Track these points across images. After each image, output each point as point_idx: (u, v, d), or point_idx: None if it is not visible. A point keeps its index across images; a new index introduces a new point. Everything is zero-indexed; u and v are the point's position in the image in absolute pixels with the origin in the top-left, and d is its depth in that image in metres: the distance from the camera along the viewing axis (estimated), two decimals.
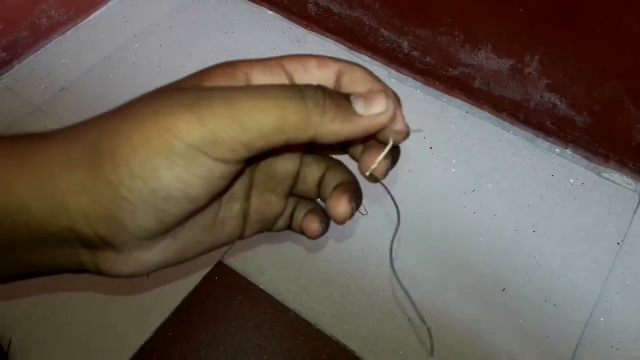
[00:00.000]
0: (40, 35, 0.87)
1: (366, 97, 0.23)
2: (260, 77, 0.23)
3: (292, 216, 0.28)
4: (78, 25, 0.91)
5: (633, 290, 0.63)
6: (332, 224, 0.27)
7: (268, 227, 0.27)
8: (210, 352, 0.59)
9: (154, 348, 0.59)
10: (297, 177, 0.27)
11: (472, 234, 0.68)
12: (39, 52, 0.88)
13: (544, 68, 0.70)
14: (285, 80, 0.24)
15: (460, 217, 0.69)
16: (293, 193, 0.28)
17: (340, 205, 0.26)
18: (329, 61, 0.24)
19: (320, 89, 0.21)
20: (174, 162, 0.19)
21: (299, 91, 0.21)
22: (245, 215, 0.26)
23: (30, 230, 0.20)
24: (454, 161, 0.75)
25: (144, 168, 0.19)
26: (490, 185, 0.72)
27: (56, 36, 0.89)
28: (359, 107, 0.22)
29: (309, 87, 0.21)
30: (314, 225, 0.27)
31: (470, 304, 0.63)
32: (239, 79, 0.23)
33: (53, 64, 0.86)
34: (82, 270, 0.24)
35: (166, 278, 0.64)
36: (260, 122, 0.20)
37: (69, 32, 0.90)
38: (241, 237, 0.26)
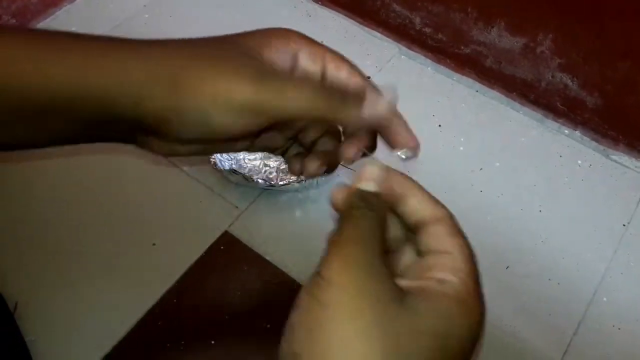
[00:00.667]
0: (50, 2, 0.87)
1: (373, 99, 0.33)
2: (304, 60, 0.31)
3: (286, 151, 0.39)
4: None
5: (637, 271, 0.63)
6: None
7: (268, 151, 0.38)
8: (215, 319, 0.59)
9: (158, 314, 0.60)
10: (301, 130, 0.37)
11: (478, 212, 0.68)
12: (47, 19, 0.87)
13: (557, 47, 0.69)
14: (319, 71, 0.32)
15: (467, 195, 0.69)
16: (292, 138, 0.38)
17: (351, 147, 0.34)
18: (358, 76, 0.33)
19: (343, 98, 0.30)
20: (228, 112, 0.27)
21: (328, 94, 0.30)
22: (252, 141, 0.36)
23: (118, 111, 0.29)
24: (462, 139, 0.74)
25: (206, 109, 0.27)
26: (497, 164, 0.72)
27: (65, 3, 0.89)
28: (368, 107, 0.32)
29: (335, 92, 0.30)
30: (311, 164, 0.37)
31: None
32: (289, 54, 0.30)
33: None
34: (131, 142, 0.33)
35: (172, 246, 0.64)
36: (294, 107, 0.29)
37: (78, 0, 0.90)
38: (246, 150, 0.37)
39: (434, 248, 0.29)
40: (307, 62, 0.31)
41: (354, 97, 0.30)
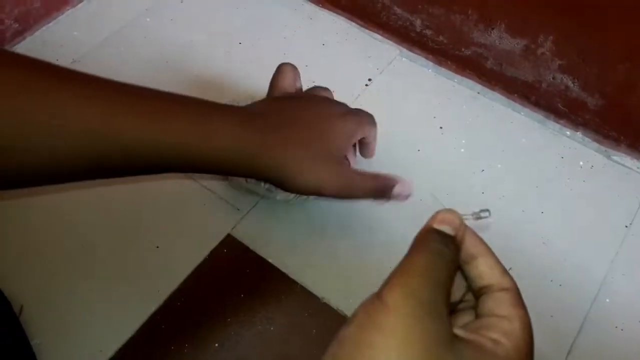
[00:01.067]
0: (52, 6, 0.87)
1: (399, 188, 0.53)
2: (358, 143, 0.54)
3: None
4: None
5: (639, 272, 0.63)
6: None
7: None
8: (218, 322, 0.60)
9: (162, 317, 0.60)
10: None
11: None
12: (50, 24, 0.88)
13: (558, 48, 0.70)
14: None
15: (469, 197, 0.69)
16: None
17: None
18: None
19: (386, 190, 0.51)
20: (314, 193, 0.47)
21: (378, 191, 0.51)
22: None
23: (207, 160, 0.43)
24: (464, 141, 0.75)
25: (297, 188, 0.46)
26: (499, 166, 0.72)
27: (68, 8, 0.89)
28: (395, 191, 0.53)
29: (381, 188, 0.51)
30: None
31: None
32: (353, 146, 0.55)
33: (64, 36, 0.86)
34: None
35: (175, 249, 0.65)
36: (357, 198, 0.49)
37: (80, 5, 0.90)
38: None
39: (495, 312, 0.30)
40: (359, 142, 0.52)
41: (390, 187, 0.48)
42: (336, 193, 0.43)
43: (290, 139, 0.43)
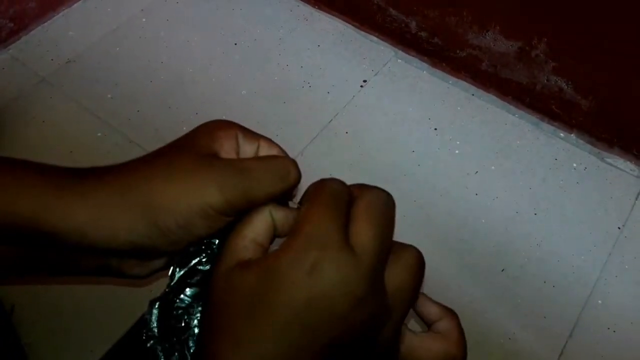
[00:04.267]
0: (48, 6, 0.87)
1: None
2: (244, 145, 0.33)
3: None
4: None
5: (631, 274, 0.63)
6: None
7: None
8: None
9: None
10: None
11: (474, 215, 0.68)
12: (46, 24, 0.88)
13: (551, 51, 0.70)
14: (255, 149, 0.33)
15: (462, 198, 0.69)
16: None
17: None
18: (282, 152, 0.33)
19: (297, 169, 0.32)
20: (205, 220, 0.29)
21: (287, 174, 0.31)
22: None
23: (82, 247, 0.28)
24: (458, 143, 0.75)
25: (183, 220, 0.29)
26: (493, 168, 0.72)
27: (63, 8, 0.89)
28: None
29: (291, 167, 0.32)
30: None
31: (470, 283, 0.63)
32: (232, 140, 0.32)
33: (60, 36, 0.86)
34: (106, 272, 0.33)
35: None
36: (260, 197, 0.30)
37: (76, 5, 0.90)
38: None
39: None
40: (245, 143, 0.33)
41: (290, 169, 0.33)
42: (225, 199, 0.29)
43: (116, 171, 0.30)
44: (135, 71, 0.81)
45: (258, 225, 0.29)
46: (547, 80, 0.73)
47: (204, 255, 0.32)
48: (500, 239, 0.66)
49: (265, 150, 0.34)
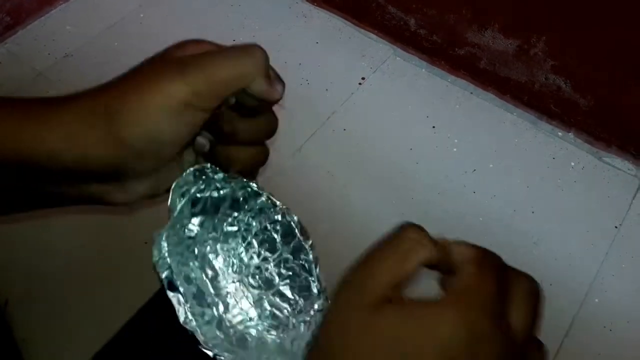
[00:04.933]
0: (45, 0, 0.87)
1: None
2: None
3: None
4: None
5: (628, 272, 0.64)
6: None
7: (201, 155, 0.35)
8: None
9: (150, 312, 0.60)
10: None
11: (471, 213, 0.68)
12: (43, 18, 0.87)
13: (550, 49, 0.70)
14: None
15: (460, 196, 0.69)
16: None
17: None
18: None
19: (264, 56, 0.31)
20: (170, 115, 0.27)
21: (252, 51, 0.30)
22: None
23: (57, 171, 0.28)
24: (456, 141, 0.75)
25: (147, 122, 0.27)
26: (491, 166, 0.72)
27: (61, 2, 0.89)
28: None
29: (254, 45, 0.30)
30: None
31: None
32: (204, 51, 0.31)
33: (57, 30, 0.86)
34: (90, 200, 0.31)
35: None
36: (224, 77, 0.29)
37: None
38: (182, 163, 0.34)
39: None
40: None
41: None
42: (191, 87, 0.27)
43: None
44: (133, 65, 0.81)
45: (415, 262, 0.27)
46: (546, 78, 0.73)
47: (201, 182, 0.31)
48: (498, 238, 0.66)
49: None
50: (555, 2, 0.66)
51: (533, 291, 0.27)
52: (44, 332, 0.57)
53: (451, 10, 0.75)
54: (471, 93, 0.79)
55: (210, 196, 0.32)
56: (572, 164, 0.73)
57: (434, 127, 0.76)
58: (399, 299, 0.25)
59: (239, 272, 0.32)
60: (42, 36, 0.85)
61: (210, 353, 0.30)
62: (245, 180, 0.33)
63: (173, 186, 0.31)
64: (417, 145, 0.74)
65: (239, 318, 0.31)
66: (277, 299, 0.32)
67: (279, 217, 0.32)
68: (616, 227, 0.67)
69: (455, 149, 0.74)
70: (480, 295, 0.25)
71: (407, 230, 0.27)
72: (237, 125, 0.33)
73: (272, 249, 0.32)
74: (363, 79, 0.81)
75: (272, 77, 0.32)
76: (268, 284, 0.32)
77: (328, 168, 0.71)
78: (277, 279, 0.32)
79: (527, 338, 0.26)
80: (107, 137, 0.27)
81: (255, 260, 0.32)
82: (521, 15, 0.70)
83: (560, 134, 0.75)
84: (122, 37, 0.85)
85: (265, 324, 0.31)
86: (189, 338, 0.57)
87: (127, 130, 0.27)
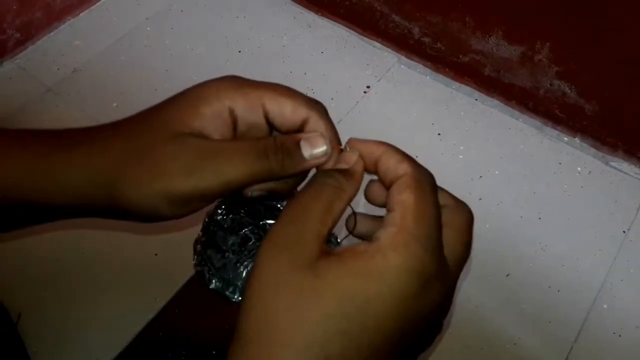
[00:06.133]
0: (54, 16, 0.88)
1: (310, 139, 0.28)
2: (241, 112, 0.28)
3: None
4: (91, 8, 0.92)
5: (637, 278, 0.63)
6: None
7: None
8: (216, 329, 0.60)
9: (160, 324, 0.61)
10: None
11: (478, 220, 0.68)
12: (52, 34, 0.89)
13: (554, 55, 0.70)
14: (261, 117, 0.29)
15: (467, 203, 0.69)
16: None
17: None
18: (301, 108, 0.29)
19: (280, 150, 0.28)
20: (171, 206, 0.27)
21: (264, 154, 0.27)
22: None
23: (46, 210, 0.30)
24: (462, 147, 0.75)
25: (149, 207, 0.27)
26: (497, 172, 0.72)
27: (69, 18, 0.90)
28: (306, 151, 0.28)
29: (271, 148, 0.28)
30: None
31: (475, 288, 0.63)
32: (224, 116, 0.28)
33: (66, 46, 0.87)
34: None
35: (173, 257, 0.65)
36: (237, 180, 0.27)
37: (82, 14, 0.91)
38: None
39: (389, 206, 0.26)
40: (246, 114, 0.28)
41: (294, 147, 0.28)
42: (194, 185, 0.26)
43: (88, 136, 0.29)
44: (140, 80, 0.82)
45: (339, 210, 0.26)
46: (551, 84, 0.73)
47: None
48: (505, 244, 0.66)
49: (276, 115, 0.29)
50: (558, 9, 0.66)
51: (468, 220, 0.28)
52: (56, 345, 0.58)
53: (455, 18, 0.75)
54: (476, 100, 0.80)
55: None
56: (579, 169, 0.72)
57: (439, 134, 0.76)
58: (330, 252, 0.24)
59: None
60: (51, 51, 0.87)
61: None
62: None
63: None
64: (422, 153, 0.74)
65: None
66: None
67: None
68: (624, 231, 0.67)
69: (461, 156, 0.74)
70: (423, 232, 0.24)
71: (324, 177, 0.26)
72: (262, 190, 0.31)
73: None
74: (368, 87, 0.81)
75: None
76: None
77: None
78: None
79: (461, 269, 0.26)
80: (103, 198, 0.28)
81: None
82: (524, 22, 0.70)
83: (566, 139, 0.75)
84: (129, 51, 0.86)
85: None
86: (199, 349, 0.57)
87: (126, 202, 0.27)
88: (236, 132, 0.29)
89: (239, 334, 0.24)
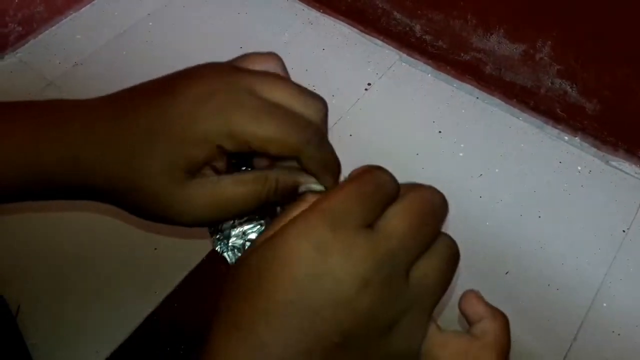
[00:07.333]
0: (56, 10, 0.88)
1: (307, 187, 0.30)
2: (230, 145, 0.29)
3: None
4: (93, 2, 0.92)
5: (636, 277, 0.63)
6: None
7: None
8: None
9: (159, 318, 0.61)
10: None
11: (477, 218, 0.68)
12: (53, 27, 0.89)
13: (556, 53, 0.70)
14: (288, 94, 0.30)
15: (466, 201, 0.70)
16: None
17: None
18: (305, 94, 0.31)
19: (279, 191, 0.29)
20: (171, 180, 0.29)
21: (265, 198, 0.29)
22: None
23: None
24: (462, 145, 0.75)
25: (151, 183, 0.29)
26: (497, 170, 0.72)
27: (71, 12, 0.90)
28: (301, 190, 0.30)
29: (271, 192, 0.29)
30: None
31: (473, 285, 0.62)
32: (213, 152, 0.29)
33: (67, 40, 0.87)
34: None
35: (173, 251, 0.65)
36: (234, 210, 0.29)
37: (83, 8, 0.91)
38: None
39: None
40: (233, 146, 0.29)
41: (292, 192, 0.30)
42: (196, 219, 0.29)
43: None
44: (141, 74, 0.81)
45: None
46: (552, 83, 0.73)
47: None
48: (504, 242, 0.66)
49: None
50: (560, 7, 0.66)
51: (419, 196, 0.27)
52: (55, 337, 0.58)
53: (456, 15, 0.75)
54: (477, 98, 0.80)
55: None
56: (579, 168, 0.72)
57: (440, 132, 0.76)
58: (265, 238, 0.26)
59: None
60: (53, 45, 0.87)
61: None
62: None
63: None
64: (423, 150, 0.75)
65: None
66: None
67: None
68: (624, 231, 0.67)
69: (461, 154, 0.74)
70: (326, 203, 0.25)
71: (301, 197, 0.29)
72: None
73: None
74: (369, 84, 0.81)
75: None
76: None
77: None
78: None
79: (400, 241, 0.24)
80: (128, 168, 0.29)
81: None
82: (526, 20, 0.70)
83: (566, 138, 0.75)
84: (130, 45, 0.86)
85: None
86: (198, 343, 0.57)
87: (138, 174, 0.29)
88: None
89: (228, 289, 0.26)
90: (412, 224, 0.25)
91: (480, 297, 0.31)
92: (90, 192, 0.31)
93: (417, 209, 0.26)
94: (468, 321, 0.30)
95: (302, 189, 0.30)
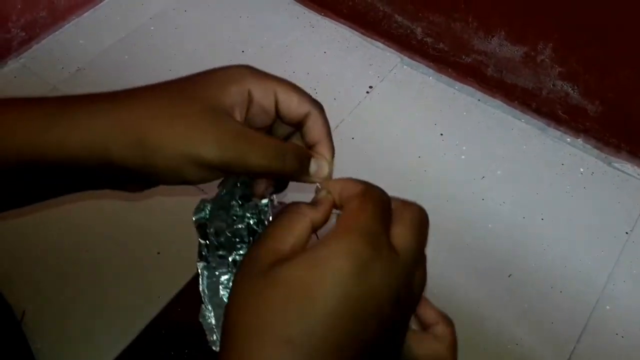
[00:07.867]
0: (59, 15, 0.89)
1: (318, 163, 0.33)
2: (257, 97, 0.32)
3: None
4: (95, 7, 0.92)
5: None
6: None
7: None
8: None
9: (162, 322, 0.61)
10: None
11: (480, 220, 0.68)
12: (56, 33, 0.89)
13: (557, 55, 0.70)
14: (272, 104, 0.33)
15: (469, 203, 0.70)
16: None
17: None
18: (305, 103, 0.33)
19: (297, 158, 0.32)
20: (196, 169, 0.30)
21: (283, 157, 0.31)
22: None
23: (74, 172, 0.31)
24: (464, 148, 0.75)
25: (175, 167, 0.29)
26: (499, 172, 0.72)
27: (74, 17, 0.90)
28: (312, 169, 0.33)
29: (289, 153, 0.31)
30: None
31: (476, 288, 0.63)
32: (244, 97, 0.32)
33: (70, 45, 0.88)
34: (107, 187, 0.33)
35: (176, 255, 0.65)
36: (252, 168, 0.30)
37: (86, 13, 0.91)
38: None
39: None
40: (260, 99, 0.32)
41: (307, 161, 0.33)
42: (220, 156, 0.29)
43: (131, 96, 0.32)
44: (144, 79, 0.82)
45: (299, 230, 0.28)
46: (553, 85, 0.73)
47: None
48: (507, 244, 0.66)
49: (283, 97, 0.33)
50: (561, 9, 0.66)
51: (416, 214, 0.29)
52: (59, 342, 0.58)
53: (457, 18, 0.75)
54: (479, 100, 0.80)
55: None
56: (582, 169, 0.72)
57: (441, 134, 0.76)
58: (292, 256, 0.26)
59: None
60: (56, 50, 0.87)
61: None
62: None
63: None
64: (425, 153, 0.75)
65: None
66: None
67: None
68: (627, 233, 0.67)
69: (463, 156, 0.74)
70: (360, 223, 0.26)
71: (288, 207, 0.30)
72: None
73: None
74: (371, 87, 0.81)
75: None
76: None
77: (336, 176, 0.71)
78: None
79: (414, 258, 0.27)
80: (134, 157, 0.29)
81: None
82: (527, 23, 0.70)
83: (569, 139, 0.75)
84: (133, 50, 0.86)
85: None
86: (201, 346, 0.58)
87: (154, 160, 0.29)
88: (248, 113, 0.32)
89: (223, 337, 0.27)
90: (419, 241, 0.28)
91: (431, 303, 0.34)
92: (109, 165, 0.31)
93: (418, 228, 0.28)
94: (423, 324, 0.34)
95: (311, 169, 0.33)
